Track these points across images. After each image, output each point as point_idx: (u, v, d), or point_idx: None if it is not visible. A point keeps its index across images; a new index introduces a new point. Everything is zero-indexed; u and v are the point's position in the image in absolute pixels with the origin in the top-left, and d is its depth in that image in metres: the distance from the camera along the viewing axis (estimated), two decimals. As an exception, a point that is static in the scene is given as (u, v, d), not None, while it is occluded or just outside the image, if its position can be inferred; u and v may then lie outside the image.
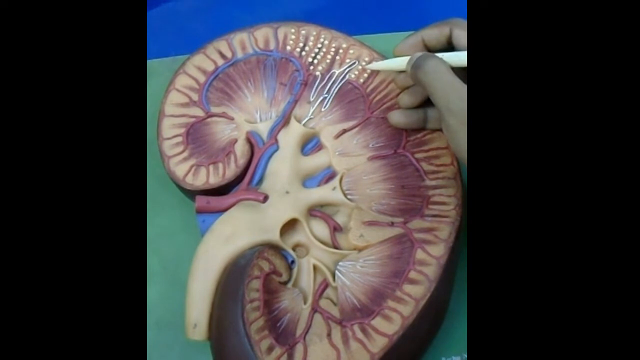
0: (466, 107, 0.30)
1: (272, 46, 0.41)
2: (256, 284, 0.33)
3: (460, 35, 0.35)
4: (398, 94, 0.38)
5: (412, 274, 0.33)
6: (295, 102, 0.40)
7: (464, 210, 0.36)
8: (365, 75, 0.40)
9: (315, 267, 0.35)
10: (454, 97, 0.31)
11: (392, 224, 0.35)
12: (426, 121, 0.37)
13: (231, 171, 0.37)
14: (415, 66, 0.33)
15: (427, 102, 0.37)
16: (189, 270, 0.34)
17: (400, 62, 0.36)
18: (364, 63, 0.40)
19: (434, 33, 0.36)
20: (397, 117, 0.37)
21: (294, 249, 0.36)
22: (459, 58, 0.34)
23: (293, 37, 0.41)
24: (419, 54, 0.34)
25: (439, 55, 0.34)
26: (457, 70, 0.33)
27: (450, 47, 0.36)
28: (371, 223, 0.35)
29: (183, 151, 0.38)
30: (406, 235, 0.35)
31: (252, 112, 0.40)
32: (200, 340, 0.33)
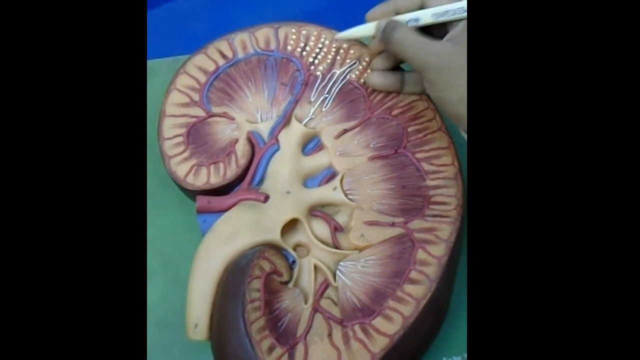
0: (440, 60, 0.33)
1: (272, 46, 0.41)
2: (257, 283, 0.33)
3: (432, 3, 0.36)
4: (371, 60, 0.39)
5: (413, 274, 0.33)
6: (296, 102, 0.40)
7: (464, 210, 0.36)
8: (366, 75, 0.40)
9: (316, 267, 0.35)
10: (426, 54, 0.33)
11: (392, 224, 0.35)
12: (403, 84, 0.39)
13: (232, 171, 0.37)
14: (385, 40, 0.35)
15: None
16: (189, 270, 0.34)
17: (369, 28, 0.38)
18: (364, 63, 0.40)
19: (406, 2, 0.37)
20: (375, 79, 0.39)
21: (294, 248, 0.36)
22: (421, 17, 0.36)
23: (294, 37, 0.41)
24: (385, 20, 0.36)
25: (404, 16, 0.36)
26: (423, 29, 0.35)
27: None
28: (372, 223, 0.35)
29: (184, 151, 0.38)
30: (407, 235, 0.35)
31: (253, 112, 0.40)
32: (200, 340, 0.33)
